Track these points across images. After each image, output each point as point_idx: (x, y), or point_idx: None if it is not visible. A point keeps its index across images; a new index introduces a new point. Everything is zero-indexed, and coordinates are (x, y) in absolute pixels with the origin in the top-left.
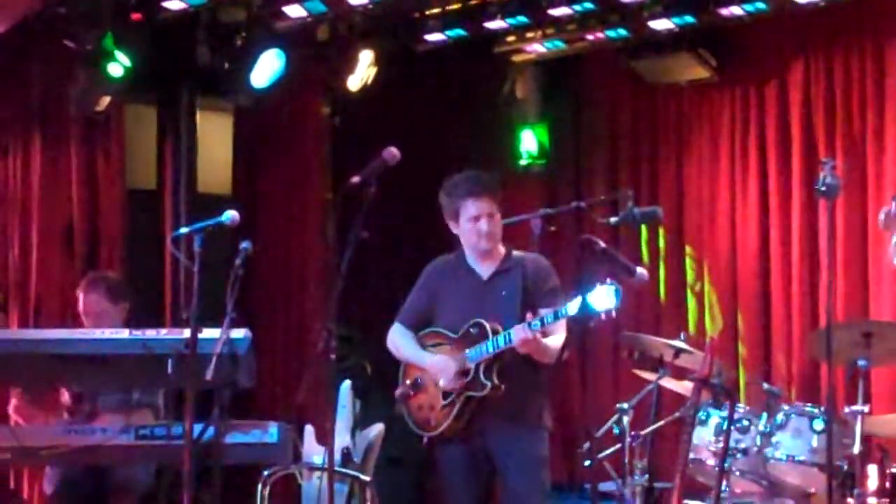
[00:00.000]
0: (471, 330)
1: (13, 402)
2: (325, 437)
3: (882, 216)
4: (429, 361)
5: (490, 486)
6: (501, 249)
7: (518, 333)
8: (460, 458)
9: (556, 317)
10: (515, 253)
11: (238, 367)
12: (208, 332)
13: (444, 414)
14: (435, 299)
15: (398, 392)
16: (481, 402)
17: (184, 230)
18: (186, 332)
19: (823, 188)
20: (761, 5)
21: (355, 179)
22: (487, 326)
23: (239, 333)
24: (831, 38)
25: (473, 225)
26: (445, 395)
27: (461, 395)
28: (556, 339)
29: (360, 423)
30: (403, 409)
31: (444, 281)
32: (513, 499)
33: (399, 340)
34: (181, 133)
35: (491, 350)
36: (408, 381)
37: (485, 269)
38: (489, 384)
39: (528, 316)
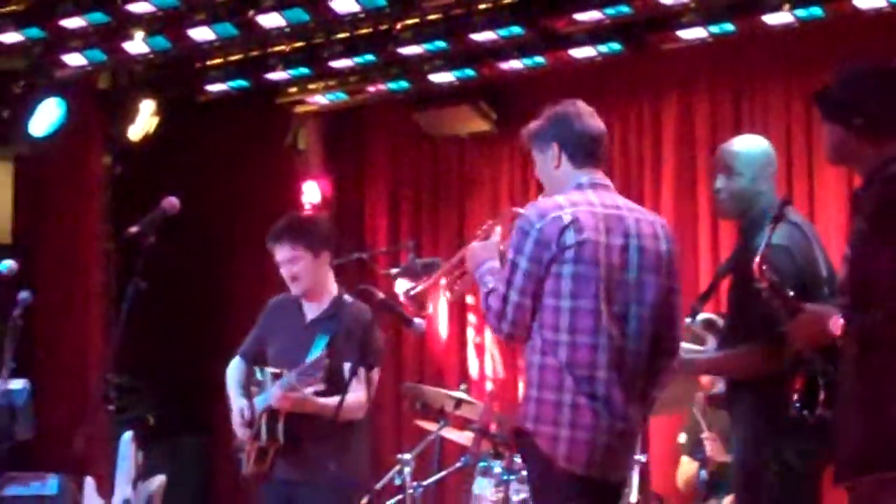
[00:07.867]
0: (265, 377)
1: None
2: (104, 489)
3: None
4: (234, 407)
5: None
6: (333, 291)
7: (274, 392)
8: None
9: (300, 375)
10: (346, 297)
11: (16, 419)
12: None
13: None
14: (266, 336)
15: None
16: (279, 451)
17: None
18: None
19: None
20: (540, 59)
21: (133, 229)
22: (278, 374)
23: (17, 384)
24: (608, 93)
25: (282, 271)
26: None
27: (253, 444)
28: (346, 396)
29: (142, 475)
30: None
31: (277, 318)
32: None
33: (228, 375)
34: None
35: (265, 401)
36: None
37: (311, 312)
38: (266, 437)
39: (284, 372)
